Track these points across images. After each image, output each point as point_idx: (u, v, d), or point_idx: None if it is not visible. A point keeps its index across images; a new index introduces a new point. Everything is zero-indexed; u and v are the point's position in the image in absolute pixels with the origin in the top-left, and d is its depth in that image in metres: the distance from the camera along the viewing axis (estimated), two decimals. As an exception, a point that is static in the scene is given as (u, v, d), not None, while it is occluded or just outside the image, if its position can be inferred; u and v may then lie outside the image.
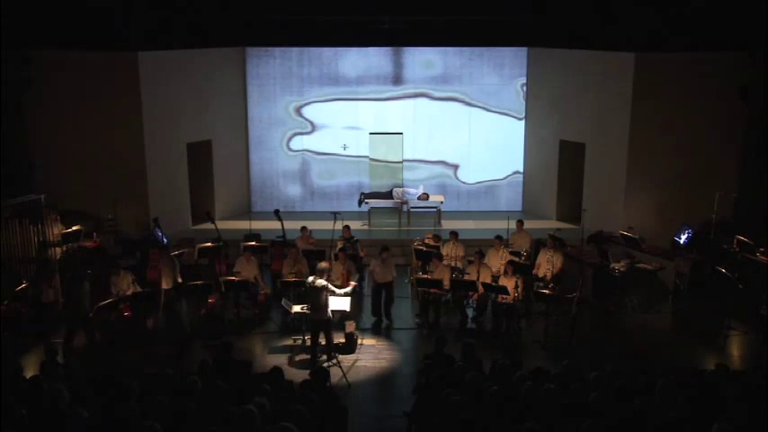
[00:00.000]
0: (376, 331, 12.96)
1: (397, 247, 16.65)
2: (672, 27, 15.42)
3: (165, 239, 14.94)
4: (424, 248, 14.44)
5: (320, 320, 11.38)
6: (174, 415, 6.87)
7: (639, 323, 13.21)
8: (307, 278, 12.79)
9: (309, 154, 18.80)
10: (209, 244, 14.22)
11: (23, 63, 15.65)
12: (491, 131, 18.59)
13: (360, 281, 14.69)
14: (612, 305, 13.76)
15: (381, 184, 18.56)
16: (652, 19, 15.49)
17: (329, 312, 11.47)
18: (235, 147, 18.48)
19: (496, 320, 12.84)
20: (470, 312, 13.26)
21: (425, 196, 17.80)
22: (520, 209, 18.80)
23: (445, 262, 13.72)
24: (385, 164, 18.72)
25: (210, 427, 6.73)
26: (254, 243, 14.46)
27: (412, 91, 18.50)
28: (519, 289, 12.71)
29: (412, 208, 17.82)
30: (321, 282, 11.30)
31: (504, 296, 12.53)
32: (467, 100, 18.50)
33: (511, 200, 18.95)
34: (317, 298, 11.31)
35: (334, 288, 11.51)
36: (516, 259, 13.76)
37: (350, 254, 14.08)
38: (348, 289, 11.96)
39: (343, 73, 18.40)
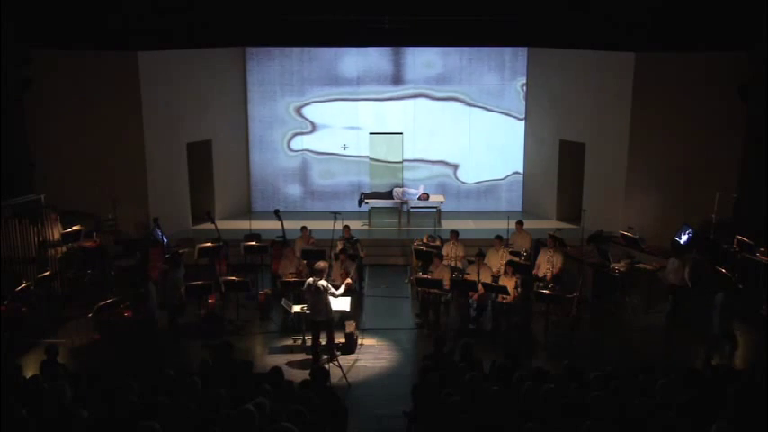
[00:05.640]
0: (376, 331, 12.95)
1: (397, 247, 16.67)
2: (672, 27, 15.42)
3: (165, 239, 14.94)
4: (424, 248, 14.44)
5: (321, 321, 11.39)
6: (174, 415, 6.87)
7: (639, 323, 13.22)
8: (306, 278, 12.81)
9: (309, 154, 18.80)
10: (209, 244, 14.22)
11: (23, 63, 15.64)
12: (491, 131, 18.59)
13: (360, 281, 14.71)
14: (612, 305, 13.75)
15: (381, 184, 18.57)
16: (652, 19, 15.50)
17: (330, 312, 11.48)
18: (235, 147, 18.47)
19: (496, 320, 12.85)
20: (470, 312, 13.26)
21: (425, 196, 17.79)
22: (520, 209, 18.80)
23: (445, 262, 13.73)
24: (385, 164, 18.73)
25: (210, 427, 6.73)
26: (254, 243, 14.46)
27: (412, 91, 18.50)
28: (519, 289, 12.71)
29: (412, 208, 17.83)
30: (321, 283, 11.30)
31: (504, 296, 12.54)
32: (467, 100, 18.50)
33: (511, 200, 18.94)
34: (317, 299, 11.31)
35: (333, 289, 11.51)
36: (516, 259, 13.76)
37: (350, 254, 14.09)
38: (343, 288, 11.95)
39: (343, 73, 18.40)
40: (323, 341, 11.51)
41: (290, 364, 11.42)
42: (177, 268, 12.66)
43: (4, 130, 15.21)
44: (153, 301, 12.38)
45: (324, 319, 11.40)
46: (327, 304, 11.38)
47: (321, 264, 11.64)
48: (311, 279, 11.44)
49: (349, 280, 12.70)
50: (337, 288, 11.72)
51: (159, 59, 16.22)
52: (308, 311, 11.71)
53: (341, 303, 11.80)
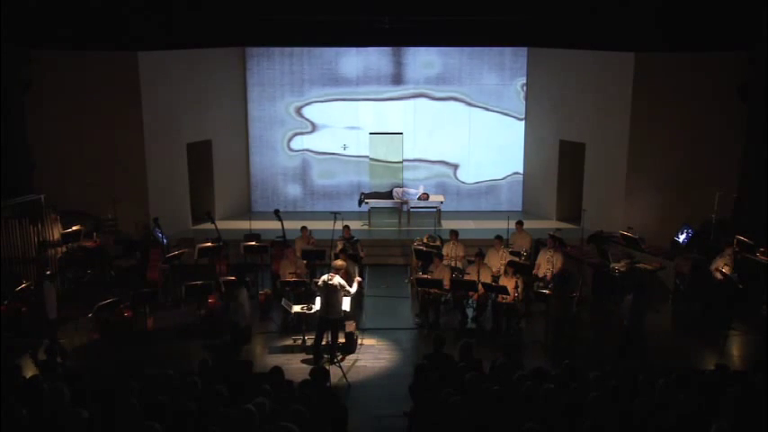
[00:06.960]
0: (376, 331, 12.95)
1: (397, 247, 16.68)
2: (672, 27, 15.42)
3: (164, 239, 14.95)
4: (424, 248, 14.43)
5: (331, 319, 11.39)
6: (174, 415, 6.87)
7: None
8: (305, 278, 12.76)
9: (309, 154, 18.81)
10: (209, 244, 14.23)
11: (23, 63, 15.65)
12: (491, 131, 18.59)
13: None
14: (612, 305, 13.74)
15: (381, 184, 18.57)
16: (652, 19, 15.50)
17: (342, 312, 11.51)
18: (235, 147, 18.48)
19: (496, 320, 12.84)
20: (470, 312, 13.26)
21: (425, 196, 17.79)
22: (520, 209, 18.80)
23: (445, 262, 13.73)
24: (385, 164, 18.73)
25: (210, 427, 6.73)
26: (254, 243, 14.46)
27: (412, 91, 18.50)
28: (519, 289, 12.71)
29: (412, 208, 17.83)
30: (339, 280, 11.31)
31: (504, 296, 12.53)
32: (467, 100, 18.50)
33: (511, 200, 18.95)
34: (332, 296, 11.32)
35: (349, 288, 11.54)
36: (516, 259, 13.76)
37: (350, 254, 14.08)
38: (356, 286, 11.99)
39: (343, 73, 18.40)
40: (325, 342, 11.51)
41: (290, 364, 11.40)
42: (240, 286, 11.83)
43: (4, 131, 15.22)
44: (52, 299, 11.91)
45: (337, 318, 11.42)
46: (340, 303, 11.41)
47: (339, 262, 11.75)
48: (326, 276, 11.42)
49: (359, 278, 12.78)
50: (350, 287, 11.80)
51: (159, 59, 16.23)
52: (308, 310, 11.72)
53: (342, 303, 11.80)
